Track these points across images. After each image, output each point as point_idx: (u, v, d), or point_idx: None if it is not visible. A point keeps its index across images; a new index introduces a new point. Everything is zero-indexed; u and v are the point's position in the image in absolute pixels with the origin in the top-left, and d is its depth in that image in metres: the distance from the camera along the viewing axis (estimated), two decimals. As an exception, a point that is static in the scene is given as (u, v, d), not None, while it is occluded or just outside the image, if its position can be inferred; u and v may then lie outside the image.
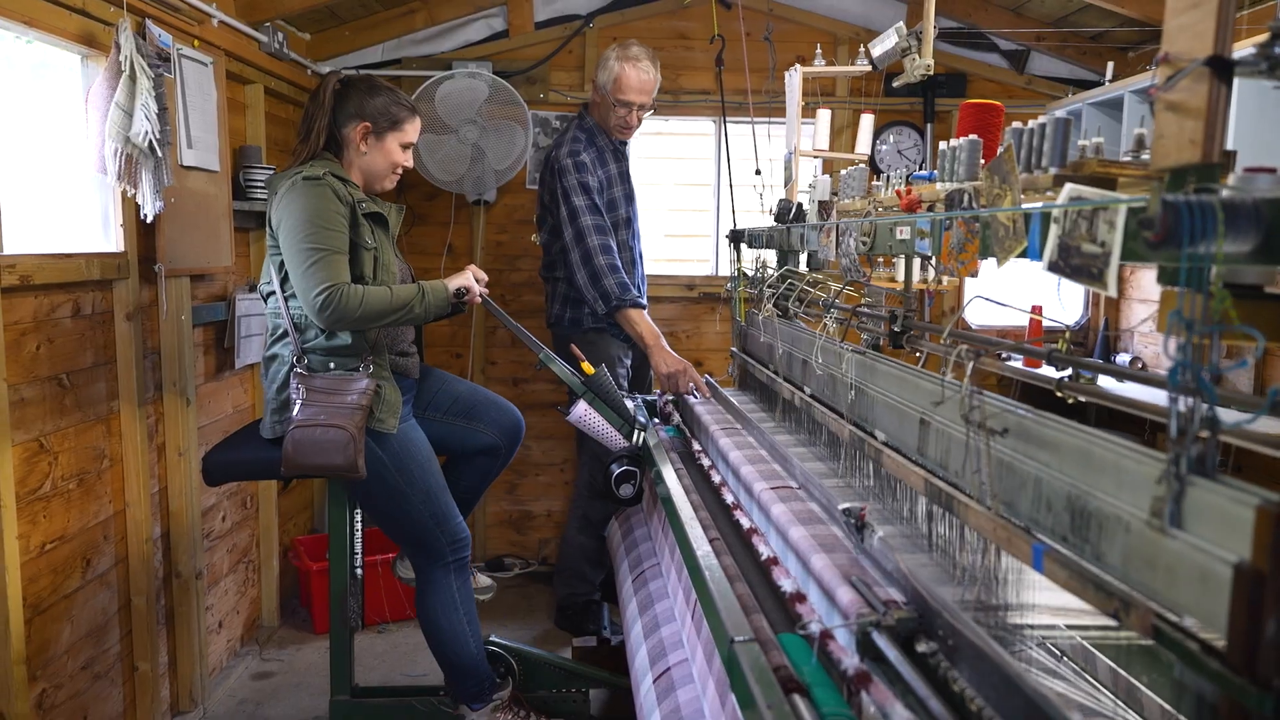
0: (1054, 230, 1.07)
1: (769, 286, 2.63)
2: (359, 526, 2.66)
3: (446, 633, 2.46)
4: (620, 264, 3.25)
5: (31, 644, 2.22)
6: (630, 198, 3.48)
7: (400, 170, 2.45)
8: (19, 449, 2.17)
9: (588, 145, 3.32)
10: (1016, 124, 1.32)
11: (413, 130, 2.42)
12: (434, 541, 2.42)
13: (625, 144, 3.49)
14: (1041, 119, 1.26)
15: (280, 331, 2.32)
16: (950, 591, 1.22)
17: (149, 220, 2.54)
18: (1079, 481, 0.99)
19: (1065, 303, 4.28)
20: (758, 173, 3.41)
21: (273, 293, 2.32)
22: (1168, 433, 0.85)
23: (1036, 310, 3.47)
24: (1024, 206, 1.16)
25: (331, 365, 2.26)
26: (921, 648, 1.04)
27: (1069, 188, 1.07)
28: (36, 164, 2.36)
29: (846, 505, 1.41)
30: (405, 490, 2.34)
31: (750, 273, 2.87)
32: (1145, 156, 1.12)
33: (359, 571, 2.65)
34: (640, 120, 3.34)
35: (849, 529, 1.39)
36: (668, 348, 3.13)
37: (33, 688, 2.23)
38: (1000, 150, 1.27)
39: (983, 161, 1.45)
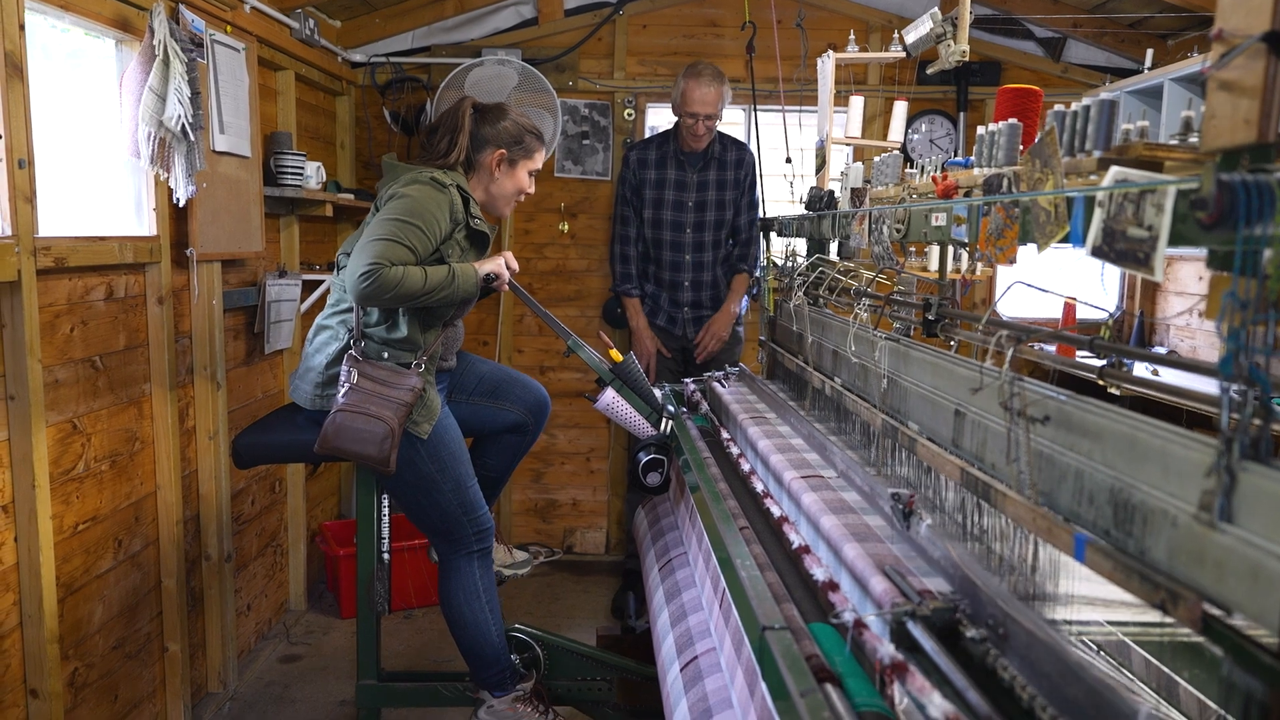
0: (1098, 214, 1.04)
1: (799, 275, 2.60)
2: (386, 512, 2.66)
3: (469, 620, 2.47)
4: (629, 256, 3.78)
5: (64, 623, 2.25)
6: (697, 206, 3.72)
7: (523, 196, 2.52)
8: (53, 430, 2.19)
9: (653, 147, 3.74)
10: (1059, 107, 1.29)
11: (540, 158, 2.51)
12: (460, 530, 2.43)
13: (708, 156, 3.71)
14: (1086, 100, 1.23)
15: (344, 306, 2.32)
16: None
17: (181, 204, 2.56)
18: (1123, 474, 0.96)
19: (1103, 292, 4.21)
20: (788, 161, 3.38)
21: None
22: (1212, 425, 0.82)
23: (1071, 301, 3.41)
24: (1067, 190, 1.13)
25: (385, 355, 2.26)
26: (970, 633, 1.02)
27: (1114, 170, 1.04)
28: (71, 148, 2.38)
29: (895, 490, 1.38)
30: (437, 478, 2.35)
31: (780, 262, 2.85)
32: (1193, 140, 1.08)
33: (386, 557, 2.65)
34: (708, 130, 3.59)
35: (896, 515, 1.36)
36: (645, 336, 3.78)
37: (65, 666, 2.26)
38: (1042, 134, 1.24)
39: (1022, 147, 1.42)
